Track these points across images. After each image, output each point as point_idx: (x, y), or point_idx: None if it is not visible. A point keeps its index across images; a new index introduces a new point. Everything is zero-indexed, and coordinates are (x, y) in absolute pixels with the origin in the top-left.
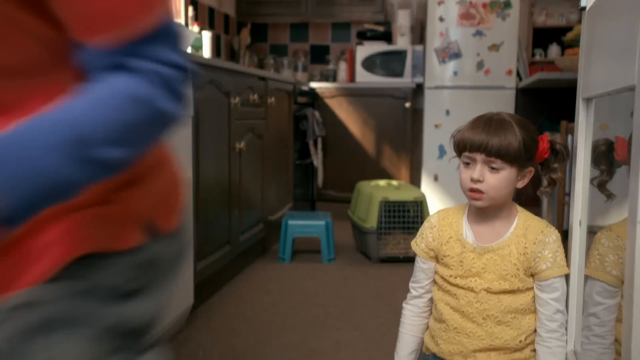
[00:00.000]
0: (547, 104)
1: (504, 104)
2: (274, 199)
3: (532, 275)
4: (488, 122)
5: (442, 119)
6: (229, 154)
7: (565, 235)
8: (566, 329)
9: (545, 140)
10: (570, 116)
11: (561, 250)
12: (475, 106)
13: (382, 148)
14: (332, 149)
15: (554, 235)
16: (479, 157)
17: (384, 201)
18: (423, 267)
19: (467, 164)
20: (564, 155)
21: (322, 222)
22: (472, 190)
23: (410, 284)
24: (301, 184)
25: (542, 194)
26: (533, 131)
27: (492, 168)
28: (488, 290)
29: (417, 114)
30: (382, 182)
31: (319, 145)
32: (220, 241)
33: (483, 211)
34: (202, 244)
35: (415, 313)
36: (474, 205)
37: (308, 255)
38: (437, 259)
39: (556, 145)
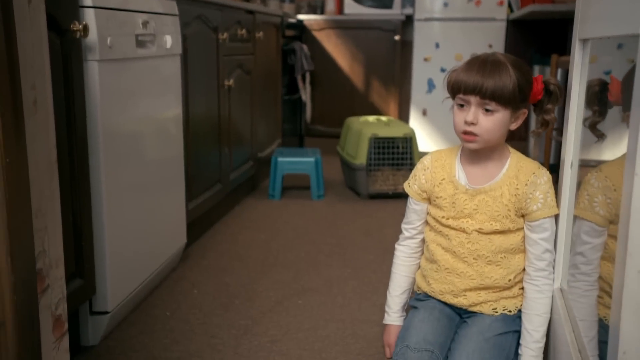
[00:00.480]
0: (538, 36)
1: (495, 36)
2: (263, 136)
3: (523, 216)
4: (483, 64)
5: (432, 52)
6: (218, 92)
7: (551, 170)
8: (554, 268)
9: (539, 81)
10: (562, 49)
11: (552, 191)
12: (465, 39)
13: (371, 82)
14: (321, 83)
15: (545, 176)
16: (474, 99)
17: (373, 138)
18: (415, 209)
19: (461, 106)
20: (557, 96)
21: (312, 159)
22: (466, 132)
23: (403, 225)
24: (289, 119)
25: (534, 135)
26: (527, 72)
27: (487, 110)
28: (479, 231)
29: (406, 46)
30: (371, 118)
31: (307, 80)
32: (211, 180)
33: (476, 153)
34: (193, 183)
35: (407, 254)
36: (467, 148)
37: (297, 192)
38: (429, 200)
39: (550, 86)
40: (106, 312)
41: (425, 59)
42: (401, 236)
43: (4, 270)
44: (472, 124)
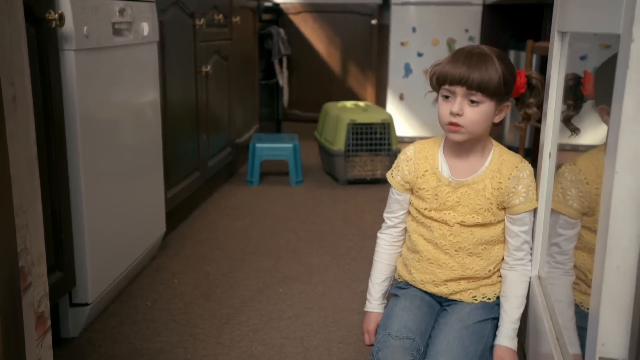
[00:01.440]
0: (514, 21)
1: (471, 21)
2: (241, 121)
3: (504, 209)
4: (469, 56)
5: (409, 36)
6: (195, 78)
7: (526, 154)
8: (531, 256)
9: (522, 75)
10: (537, 35)
11: (534, 184)
12: (441, 23)
13: (348, 67)
14: (298, 68)
15: (527, 170)
16: (460, 90)
17: (351, 123)
18: (398, 199)
19: (447, 97)
20: (539, 90)
21: (290, 145)
22: (451, 124)
23: (385, 214)
24: (266, 104)
25: (516, 129)
26: (512, 66)
27: (472, 101)
28: (461, 224)
29: (383, 30)
30: (348, 104)
31: (284, 64)
32: (189, 167)
33: (459, 145)
34: (171, 171)
35: (389, 242)
36: (452, 139)
37: (276, 178)
38: (412, 191)
39: (532, 80)
40: (86, 304)
41: (402, 44)
42: (384, 225)
43: None
44: (458, 114)
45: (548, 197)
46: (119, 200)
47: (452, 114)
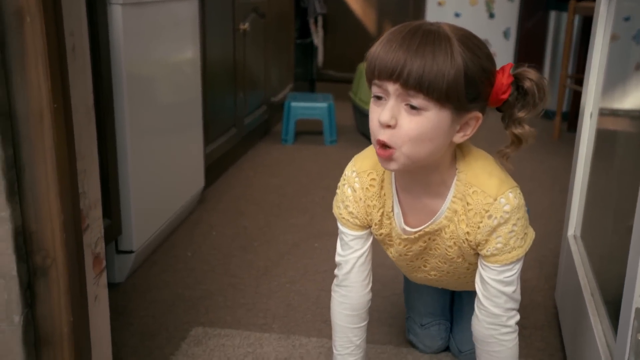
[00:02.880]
0: None
1: None
2: (276, 80)
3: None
4: (410, 35)
5: None
6: (233, 35)
7: (564, 118)
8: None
9: (506, 72)
10: None
11: (519, 224)
12: None
13: (384, 26)
14: (333, 27)
15: (507, 206)
16: (392, 88)
17: None
18: (352, 239)
19: (379, 98)
20: (534, 99)
21: (325, 105)
22: (379, 143)
23: (337, 259)
24: (301, 64)
25: (502, 156)
26: (486, 56)
27: (412, 107)
28: (438, 270)
29: None
30: None
31: (320, 24)
32: (226, 124)
33: (408, 174)
34: (210, 127)
35: (348, 304)
36: (385, 168)
37: (310, 137)
38: (369, 228)
39: (525, 83)
40: (131, 251)
41: (439, 3)
42: (336, 279)
43: (55, 210)
44: (388, 126)
45: (588, 156)
46: (161, 154)
47: (381, 124)
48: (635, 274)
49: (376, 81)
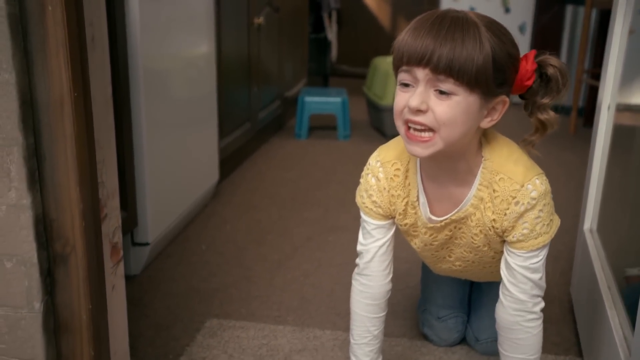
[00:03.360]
0: None
1: None
2: (290, 75)
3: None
4: (439, 21)
5: None
6: (248, 29)
7: (580, 114)
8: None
9: (530, 59)
10: None
11: (545, 210)
12: None
13: (398, 21)
14: (347, 22)
15: (534, 192)
16: (422, 73)
17: None
18: (375, 228)
19: (406, 85)
20: (558, 85)
21: (339, 99)
22: (408, 126)
23: (359, 248)
24: (314, 59)
25: (527, 144)
26: (511, 42)
27: (441, 92)
28: (463, 260)
29: None
30: None
31: (334, 18)
32: (241, 118)
33: (435, 162)
34: (224, 121)
35: (369, 293)
36: (412, 154)
37: (323, 132)
38: (392, 218)
39: (548, 69)
40: (147, 244)
41: None
42: (357, 268)
43: (74, 198)
44: (419, 110)
45: (605, 149)
46: (176, 147)
47: (410, 110)
48: None
49: (404, 67)
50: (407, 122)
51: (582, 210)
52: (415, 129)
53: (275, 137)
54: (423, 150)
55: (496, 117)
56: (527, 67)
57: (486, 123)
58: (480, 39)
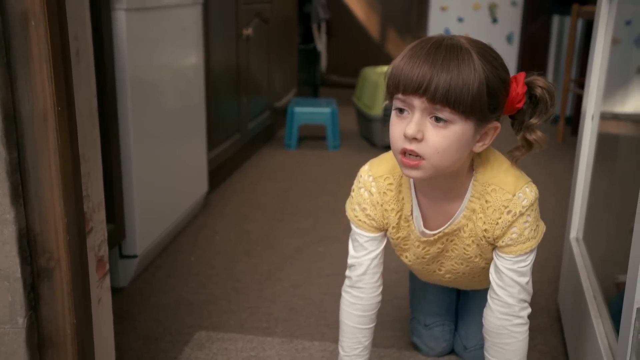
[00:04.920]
0: None
1: None
2: (279, 85)
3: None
4: (434, 50)
5: (449, 1)
6: (237, 41)
7: (567, 123)
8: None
9: (520, 82)
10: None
11: (533, 216)
12: None
13: (387, 31)
14: (336, 32)
15: (525, 200)
16: (418, 102)
17: None
18: (367, 240)
19: (401, 111)
20: (546, 106)
21: (328, 110)
22: (405, 153)
23: (350, 261)
24: (304, 69)
25: (511, 157)
26: (502, 67)
27: (437, 120)
28: (453, 272)
29: None
30: (387, 69)
31: (323, 29)
32: (230, 129)
33: (429, 181)
34: (213, 132)
35: (360, 305)
36: (408, 176)
37: (313, 142)
38: (384, 231)
39: (537, 91)
40: (135, 256)
41: (442, 8)
42: (348, 280)
43: (59, 212)
44: (415, 139)
45: (589, 158)
46: (165, 158)
47: (406, 137)
48: (636, 275)
49: (400, 96)
50: (403, 151)
51: (569, 219)
52: (407, 155)
53: (265, 148)
54: (418, 174)
55: (487, 141)
56: (518, 90)
57: (478, 147)
58: (475, 67)
